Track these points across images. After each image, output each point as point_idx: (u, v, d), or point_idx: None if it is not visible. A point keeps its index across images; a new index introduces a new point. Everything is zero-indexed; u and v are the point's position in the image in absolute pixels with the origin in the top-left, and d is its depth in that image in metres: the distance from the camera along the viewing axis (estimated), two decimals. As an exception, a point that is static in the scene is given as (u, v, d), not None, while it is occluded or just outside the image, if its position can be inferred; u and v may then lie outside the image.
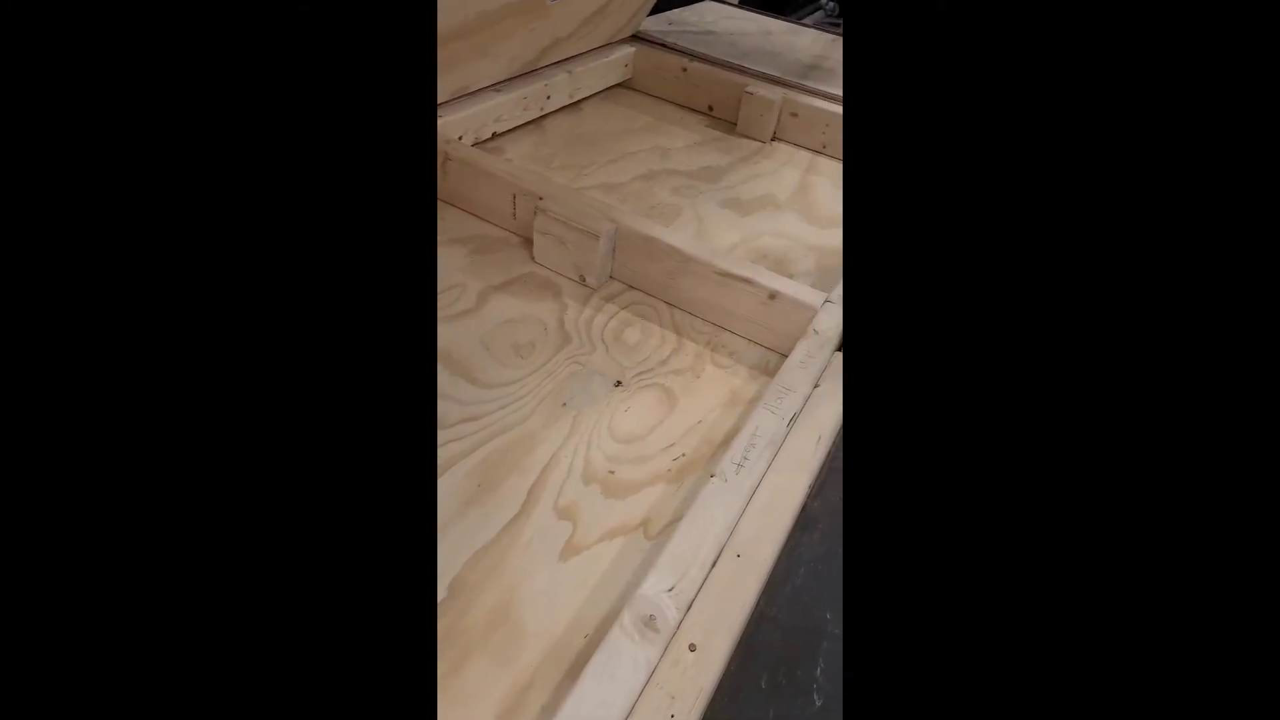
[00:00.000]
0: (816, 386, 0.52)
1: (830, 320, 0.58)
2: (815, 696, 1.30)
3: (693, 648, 0.34)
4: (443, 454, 0.49)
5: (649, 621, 0.35)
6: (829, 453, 0.52)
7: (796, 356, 0.54)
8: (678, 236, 0.66)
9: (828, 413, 0.50)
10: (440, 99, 0.80)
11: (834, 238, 0.82)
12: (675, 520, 0.47)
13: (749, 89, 0.99)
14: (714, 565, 0.39)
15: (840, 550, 1.48)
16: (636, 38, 1.10)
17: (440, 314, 0.62)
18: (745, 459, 0.45)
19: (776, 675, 1.33)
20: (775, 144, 1.01)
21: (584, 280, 0.67)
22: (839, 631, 1.42)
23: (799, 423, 0.49)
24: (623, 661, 0.33)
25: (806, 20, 2.01)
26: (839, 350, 0.57)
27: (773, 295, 0.61)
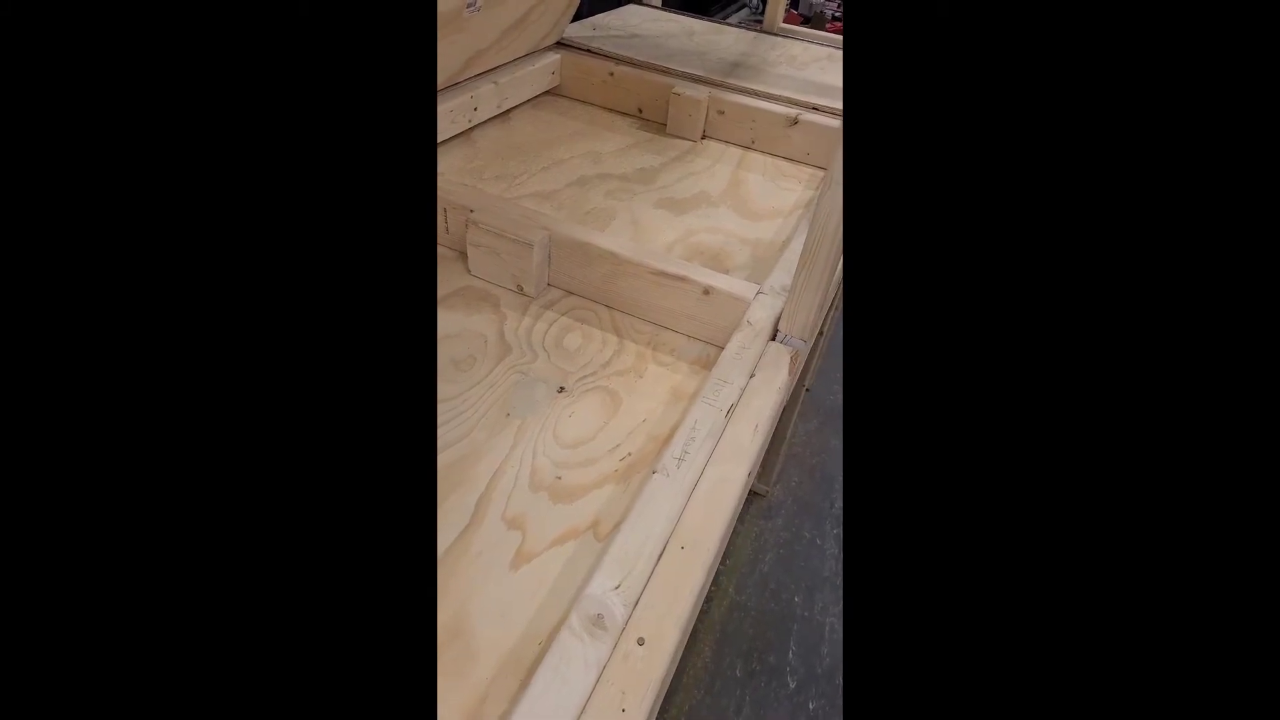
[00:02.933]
0: (752, 377, 0.54)
1: (763, 311, 0.60)
2: (789, 679, 1.32)
3: (641, 641, 0.35)
4: (386, 475, 0.49)
5: (597, 620, 0.35)
6: (768, 440, 0.53)
7: (731, 349, 0.55)
8: (611, 239, 0.66)
9: (764, 402, 0.51)
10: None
11: (767, 230, 0.84)
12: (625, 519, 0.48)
13: (676, 89, 1.00)
14: (659, 559, 0.39)
15: (804, 535, 1.49)
16: (561, 45, 1.11)
17: (376, 334, 0.61)
18: (685, 453, 0.45)
19: (750, 662, 1.34)
20: (705, 142, 1.03)
21: (522, 289, 0.68)
22: (808, 614, 1.43)
23: (736, 413, 0.50)
24: (572, 663, 0.34)
25: (731, 19, 2.04)
26: (773, 339, 0.58)
27: (707, 291, 0.62)
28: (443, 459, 0.51)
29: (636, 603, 0.37)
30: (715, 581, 1.35)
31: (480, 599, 0.42)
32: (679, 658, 0.38)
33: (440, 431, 0.53)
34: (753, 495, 1.51)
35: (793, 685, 1.16)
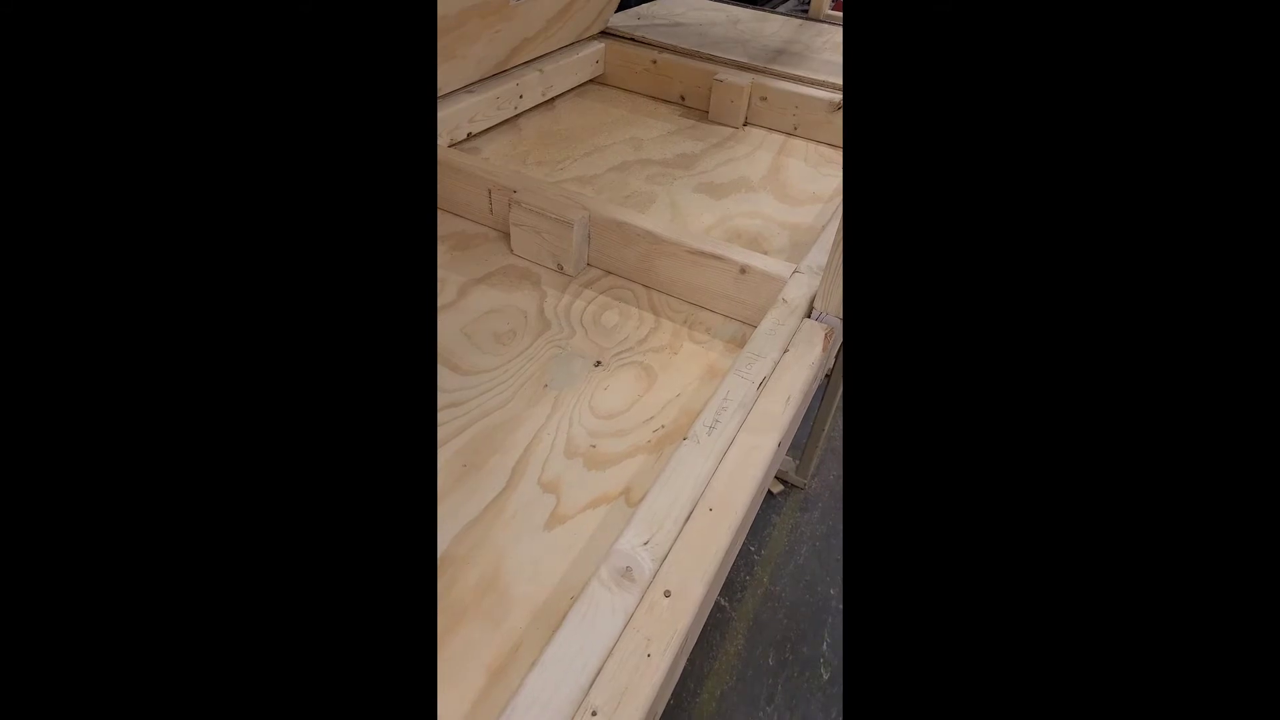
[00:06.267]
0: (786, 351, 0.54)
1: (799, 290, 0.60)
2: (822, 670, 1.31)
3: (668, 594, 0.36)
4: (429, 438, 0.51)
5: (625, 573, 0.37)
6: (800, 413, 0.53)
7: (766, 325, 0.56)
8: (650, 220, 0.67)
9: (797, 375, 0.52)
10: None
11: (807, 215, 0.84)
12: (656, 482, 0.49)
13: (718, 76, 1.01)
14: (688, 519, 0.40)
15: (841, 528, 1.48)
16: (606, 34, 1.12)
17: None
18: (717, 421, 0.46)
19: (783, 651, 1.33)
20: (747, 128, 1.03)
21: (562, 268, 0.69)
22: (843, 606, 1.41)
23: (769, 386, 0.51)
24: (600, 610, 0.35)
25: (780, 9, 2.02)
26: (808, 317, 0.58)
27: (743, 270, 0.63)
28: (481, 425, 0.53)
29: (664, 559, 0.38)
30: (750, 571, 1.35)
31: (515, 556, 0.44)
32: (705, 613, 0.39)
33: (479, 400, 0.55)
34: (790, 488, 1.50)
35: (826, 676, 1.15)
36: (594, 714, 0.31)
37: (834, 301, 0.57)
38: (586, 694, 0.32)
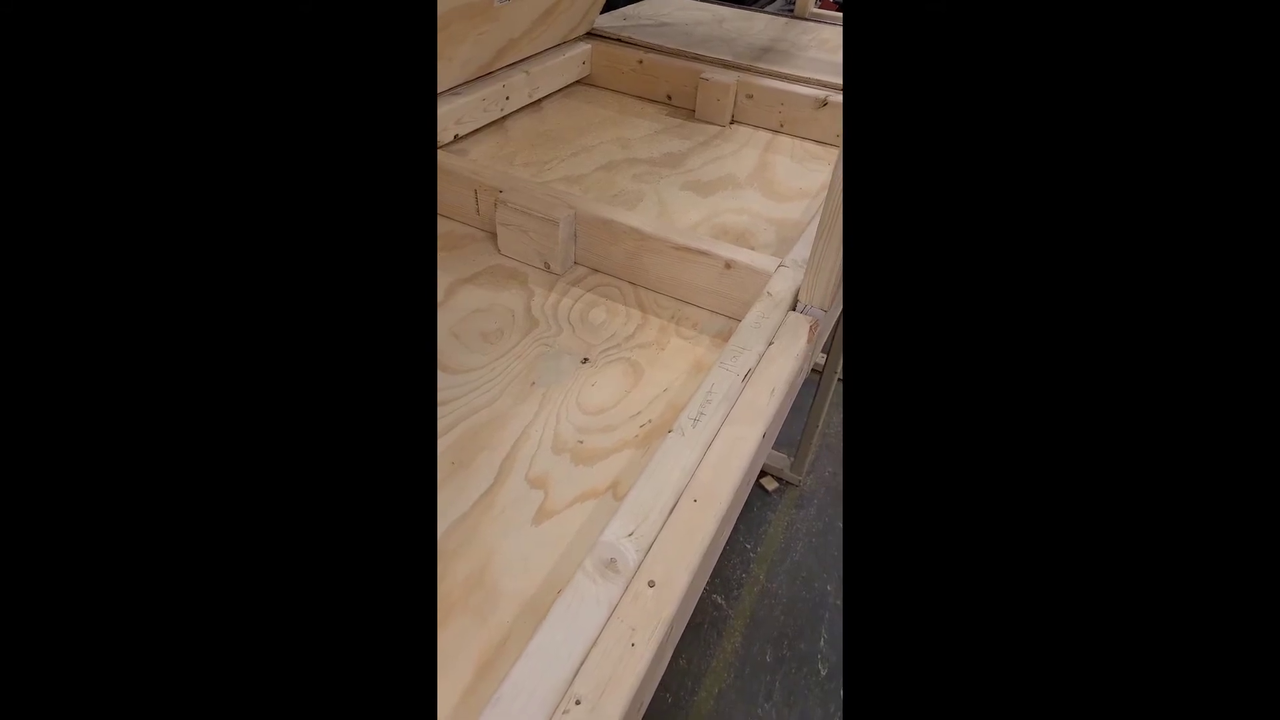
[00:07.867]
0: (771, 344, 0.54)
1: (783, 283, 0.60)
2: (819, 666, 1.31)
3: (652, 584, 0.36)
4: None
5: (610, 564, 0.37)
6: (786, 405, 0.54)
7: (751, 318, 0.56)
8: (636, 217, 0.68)
9: (782, 368, 0.52)
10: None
11: (793, 211, 0.84)
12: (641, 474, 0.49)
13: (704, 75, 1.01)
14: (672, 510, 0.41)
15: (836, 524, 1.48)
16: (592, 35, 1.13)
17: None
18: (701, 414, 0.47)
19: (780, 648, 1.34)
20: (734, 126, 1.03)
21: (549, 267, 0.70)
22: (840, 602, 1.42)
23: (753, 378, 0.51)
24: (585, 601, 0.35)
25: (767, 9, 2.03)
26: (793, 310, 0.59)
27: (729, 265, 0.63)
28: (469, 423, 0.53)
29: (649, 550, 0.38)
30: (746, 569, 1.35)
31: (504, 551, 0.44)
32: (692, 603, 0.40)
33: (467, 398, 0.55)
34: (785, 485, 1.51)
35: (823, 672, 1.15)
36: (578, 703, 0.31)
37: (819, 294, 0.57)
38: (571, 683, 0.32)
